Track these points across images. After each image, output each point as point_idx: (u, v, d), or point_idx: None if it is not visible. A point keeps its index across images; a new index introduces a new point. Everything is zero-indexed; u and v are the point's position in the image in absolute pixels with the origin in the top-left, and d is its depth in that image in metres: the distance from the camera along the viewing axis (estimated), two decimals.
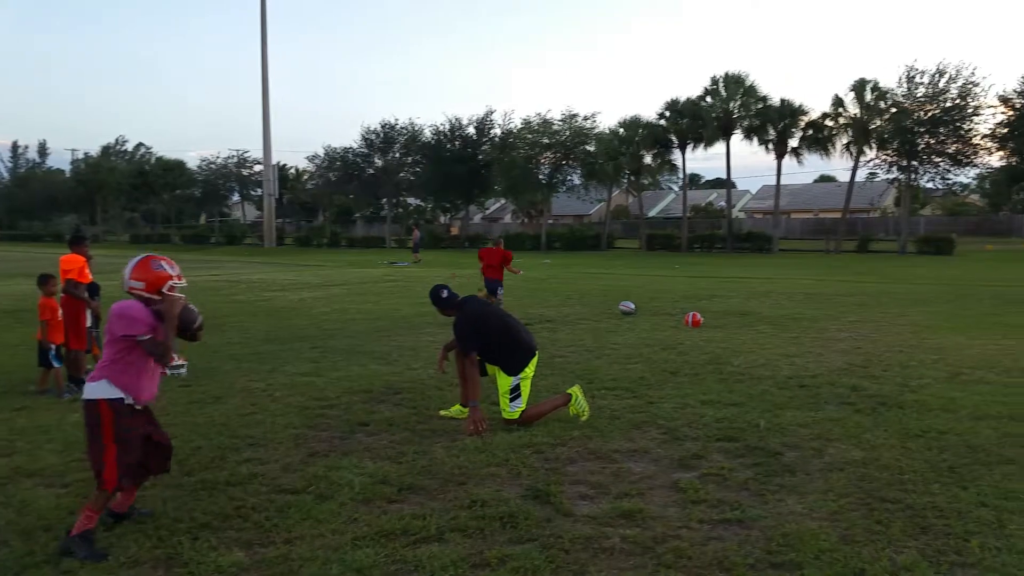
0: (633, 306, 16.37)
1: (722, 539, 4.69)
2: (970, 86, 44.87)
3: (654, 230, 60.87)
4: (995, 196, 79.76)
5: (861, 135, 48.69)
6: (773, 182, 54.88)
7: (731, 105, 51.92)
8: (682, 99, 53.97)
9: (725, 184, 60.43)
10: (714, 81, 52.68)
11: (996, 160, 48.41)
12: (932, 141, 46.41)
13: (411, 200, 79.50)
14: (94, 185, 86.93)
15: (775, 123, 51.25)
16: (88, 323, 9.59)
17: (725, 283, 25.24)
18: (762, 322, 14.77)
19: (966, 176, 54.36)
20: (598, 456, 6.36)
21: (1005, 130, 43.99)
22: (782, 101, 51.14)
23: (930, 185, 52.53)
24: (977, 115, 45.36)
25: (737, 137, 53.25)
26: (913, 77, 46.18)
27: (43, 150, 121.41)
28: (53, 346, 9.17)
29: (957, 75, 45.08)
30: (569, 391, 7.56)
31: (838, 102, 49.79)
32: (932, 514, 5.00)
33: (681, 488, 5.56)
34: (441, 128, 64.05)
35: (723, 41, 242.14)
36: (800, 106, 50.91)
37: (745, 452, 6.42)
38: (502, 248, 16.85)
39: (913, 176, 49.06)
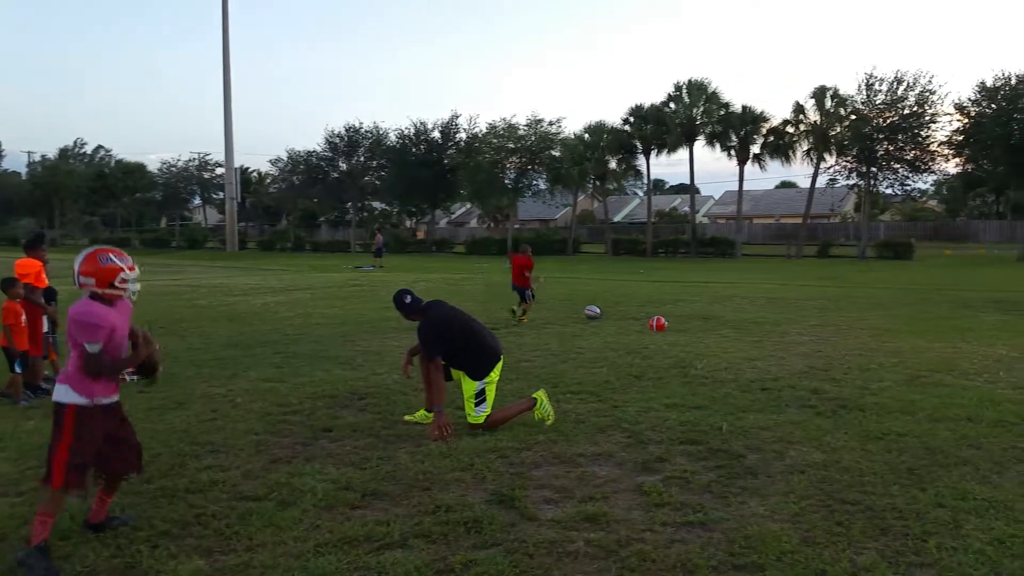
0: (598, 310, 16.42)
1: (685, 542, 4.72)
2: (927, 94, 45.55)
3: (619, 235, 61.13)
4: (952, 202, 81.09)
5: (821, 142, 49.21)
6: (736, 188, 55.32)
7: (694, 111, 52.22)
8: (646, 105, 54.26)
9: (689, 190, 60.67)
10: (677, 87, 52.96)
11: (953, 167, 49.18)
12: (891, 148, 47.04)
13: (376, 204, 79.19)
14: (51, 188, 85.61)
15: (737, 129, 51.65)
16: (45, 328, 9.45)
17: (689, 288, 25.39)
18: (725, 326, 14.87)
19: (924, 182, 55.13)
20: (563, 460, 6.37)
21: (961, 137, 44.62)
22: (744, 108, 51.59)
23: (889, 191, 53.22)
24: (934, 122, 46.09)
25: (700, 143, 53.61)
26: (872, 84, 46.78)
27: None
28: (18, 352, 8.96)
29: (915, 83, 45.77)
30: (534, 395, 7.56)
31: (799, 109, 50.32)
32: (891, 515, 5.06)
33: (645, 491, 5.58)
34: (406, 132, 63.86)
35: (687, 48, 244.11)
36: (762, 113, 51.44)
37: (708, 455, 6.46)
38: (527, 255, 17.17)
39: (872, 182, 49.67)
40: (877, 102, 46.68)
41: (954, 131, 45.25)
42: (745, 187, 55.53)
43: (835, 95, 48.73)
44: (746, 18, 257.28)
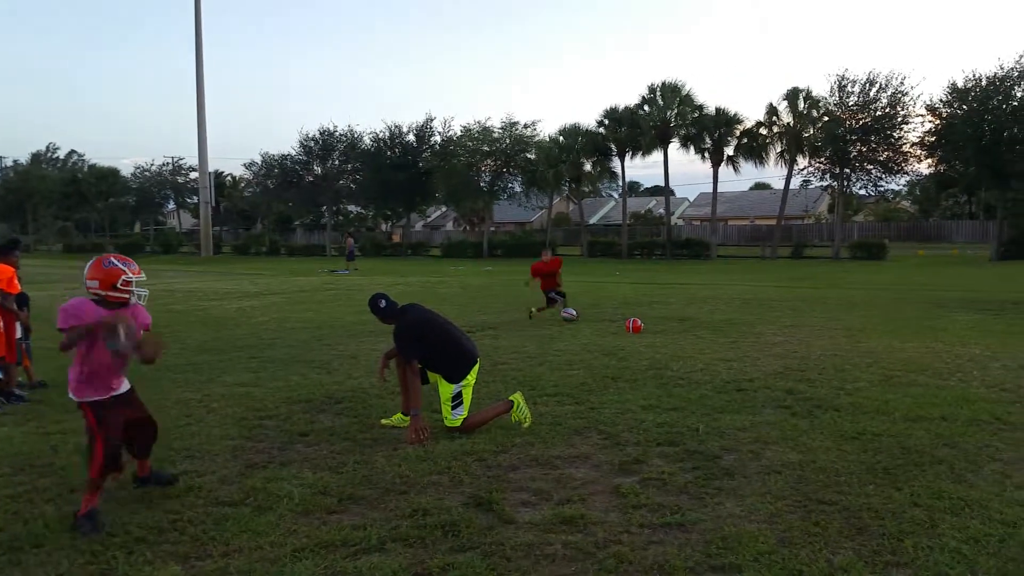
0: (575, 312, 16.43)
1: (662, 543, 4.72)
2: (900, 95, 45.95)
3: (595, 237, 61.30)
4: (925, 202, 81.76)
5: (795, 143, 49.55)
6: (710, 190, 55.56)
7: (668, 114, 52.42)
8: (621, 107, 54.38)
9: (664, 192, 60.92)
10: (651, 89, 53.12)
11: (925, 168, 49.57)
12: (864, 149, 47.46)
13: (351, 208, 78.98)
14: (24, 193, 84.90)
15: (711, 132, 51.91)
16: (18, 335, 9.35)
17: (664, 289, 25.46)
18: (701, 327, 14.91)
19: (897, 183, 55.54)
20: (540, 463, 6.36)
21: (933, 139, 45.01)
22: (717, 110, 51.85)
23: (863, 192, 53.70)
24: (906, 124, 46.50)
25: (674, 145, 53.84)
26: (844, 86, 47.16)
27: None
28: None
29: (887, 84, 46.17)
30: (511, 398, 7.55)
31: (772, 111, 50.65)
32: (868, 515, 5.09)
33: (622, 493, 5.58)
34: (381, 135, 63.77)
35: (661, 50, 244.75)
36: (735, 115, 51.72)
37: (685, 456, 6.47)
38: (550, 258, 17.76)
39: (846, 183, 50.07)
40: (850, 104, 47.10)
41: (926, 132, 45.69)
42: (720, 189, 55.86)
43: (808, 97, 49.08)
44: (721, 20, 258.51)
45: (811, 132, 49.02)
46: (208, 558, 4.58)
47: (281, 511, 5.27)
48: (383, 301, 7.57)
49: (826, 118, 48.03)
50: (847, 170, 48.67)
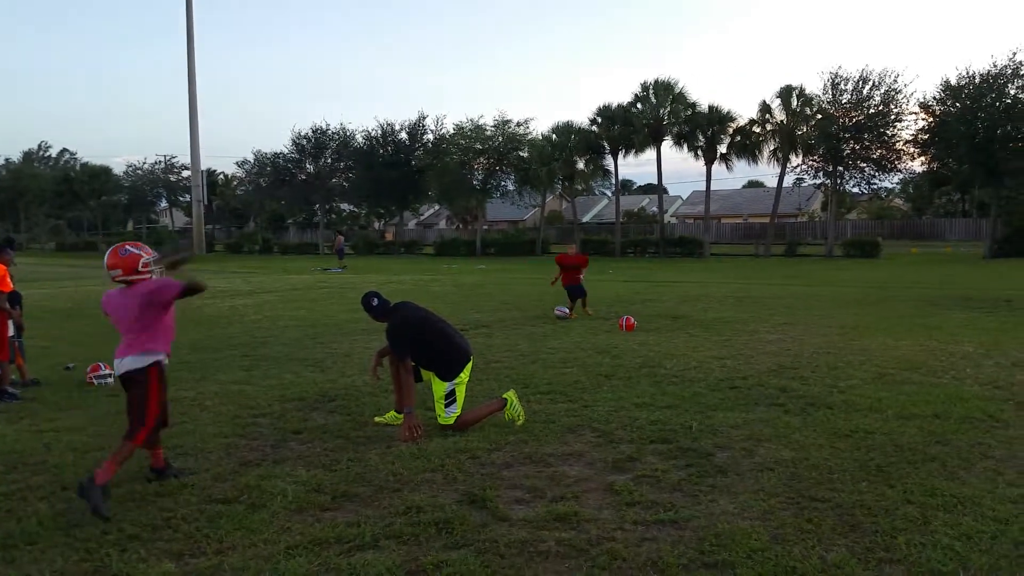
0: (568, 310, 16.44)
1: (656, 540, 4.73)
2: (893, 93, 45.90)
3: (588, 235, 61.20)
4: (918, 200, 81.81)
5: (788, 141, 49.49)
6: (703, 188, 55.51)
7: (661, 111, 52.27)
8: (614, 105, 54.27)
9: (657, 190, 60.98)
10: (644, 87, 52.95)
11: (918, 165, 49.52)
12: (857, 147, 47.36)
13: (344, 206, 78.81)
14: (16, 192, 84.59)
15: (704, 129, 51.77)
16: (11, 333, 9.34)
17: (658, 287, 25.47)
18: (694, 325, 14.93)
19: (890, 181, 55.48)
20: (533, 460, 6.37)
21: (926, 136, 45.00)
22: (710, 108, 51.72)
23: (856, 190, 53.62)
24: (900, 121, 46.41)
25: (667, 143, 53.54)
26: (838, 84, 47.08)
27: None
28: None
29: (880, 82, 46.10)
30: (504, 396, 7.56)
31: (765, 108, 50.53)
32: (861, 512, 5.10)
33: (615, 490, 5.59)
34: (373, 133, 63.60)
35: (653, 47, 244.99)
36: (728, 113, 51.56)
37: (678, 454, 6.48)
38: (576, 252, 17.75)
39: (839, 181, 50.06)
40: (843, 101, 47.01)
41: (919, 130, 45.61)
42: (713, 187, 55.73)
43: (801, 94, 49.00)
44: (714, 17, 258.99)
45: (804, 130, 48.94)
46: (202, 555, 4.58)
47: (275, 508, 5.27)
48: (375, 299, 7.57)
49: (819, 116, 47.95)
50: (840, 168, 48.64)
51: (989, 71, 41.61)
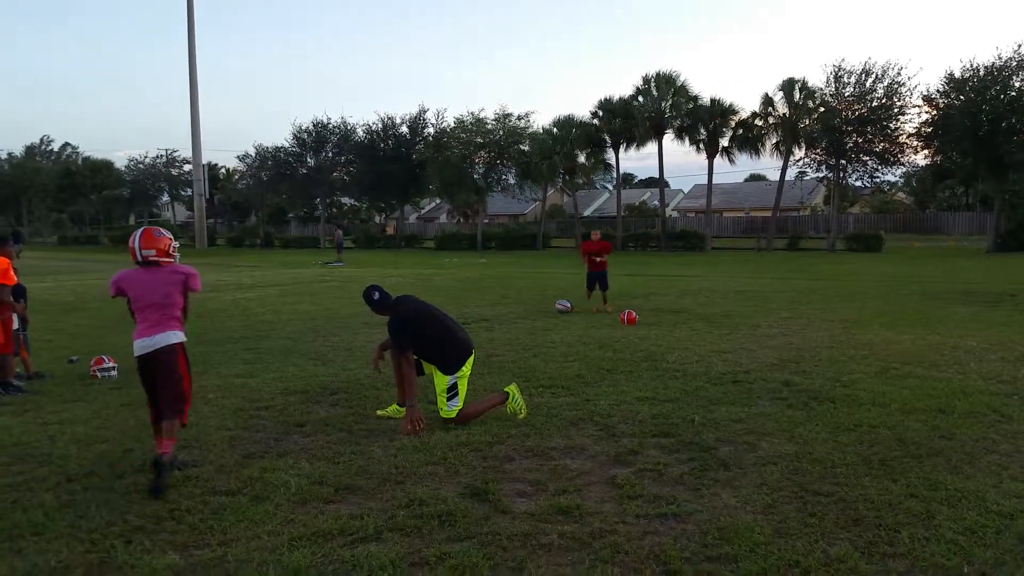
0: (569, 304, 16.44)
1: (658, 533, 4.73)
2: (896, 86, 45.71)
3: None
4: (921, 194, 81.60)
5: (790, 134, 49.38)
6: (705, 181, 55.44)
7: (663, 105, 52.11)
8: (615, 98, 54.10)
9: (658, 183, 60.85)
10: (646, 80, 52.78)
11: (922, 159, 49.32)
12: (860, 140, 47.19)
13: (345, 200, 78.76)
14: (19, 186, 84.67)
15: (706, 123, 51.62)
16: (15, 326, 9.35)
17: (659, 281, 25.47)
18: (696, 319, 14.93)
19: (893, 175, 55.38)
20: (535, 453, 6.38)
21: (930, 129, 44.84)
22: (712, 101, 51.54)
23: (858, 183, 53.53)
24: (903, 114, 46.20)
25: (669, 137, 53.39)
26: (840, 76, 46.91)
27: None
28: None
29: (883, 75, 45.93)
30: (506, 389, 7.56)
31: (768, 101, 50.40)
32: (864, 506, 5.10)
33: (617, 484, 5.60)
34: (374, 127, 63.53)
35: (655, 40, 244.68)
36: (730, 106, 51.36)
37: (680, 447, 6.48)
38: (599, 239, 17.98)
39: (842, 175, 49.93)
40: (846, 94, 46.83)
41: (923, 123, 45.39)
42: (715, 180, 55.64)
43: (804, 87, 48.84)
44: (716, 10, 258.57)
45: (807, 123, 48.81)
46: (206, 547, 4.59)
47: (278, 500, 5.28)
48: (377, 293, 7.57)
49: (822, 109, 47.79)
50: (843, 161, 48.49)
51: (993, 64, 41.37)
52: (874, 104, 46.03)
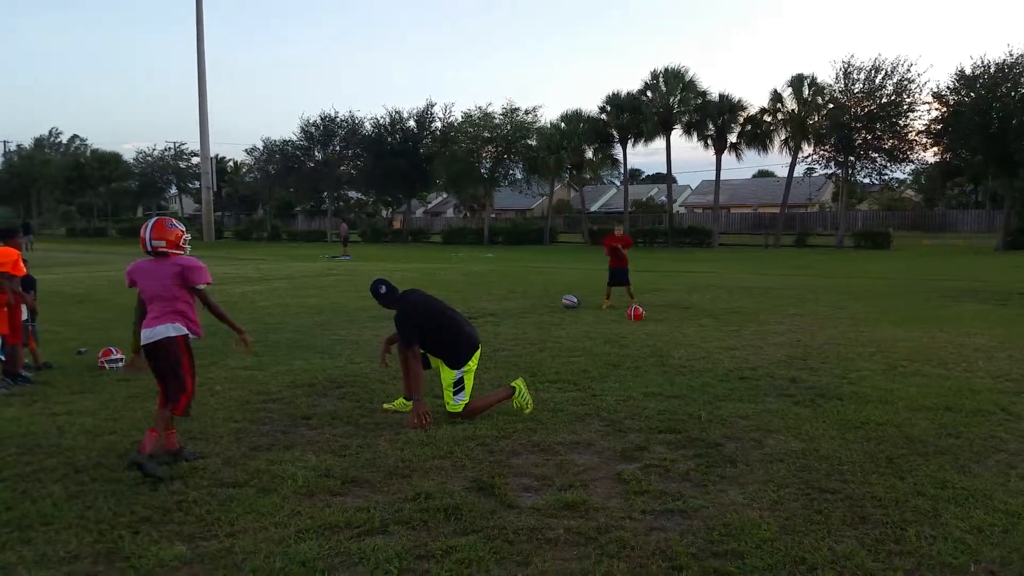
0: (576, 300, 16.43)
1: (664, 529, 4.73)
2: (906, 82, 45.56)
3: (596, 224, 61.06)
4: (930, 191, 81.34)
5: (799, 131, 49.29)
6: (713, 177, 55.37)
7: (671, 100, 52.02)
8: (623, 93, 53.99)
9: (666, 179, 60.68)
10: (654, 75, 52.69)
11: (931, 156, 49.21)
12: (868, 137, 47.05)
13: (352, 194, 78.79)
14: (28, 178, 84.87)
15: (714, 118, 51.57)
16: (24, 317, 9.39)
17: (666, 277, 25.42)
18: (703, 315, 14.92)
19: (902, 171, 55.20)
20: (542, 448, 6.38)
21: (939, 126, 44.68)
22: (721, 96, 51.50)
23: (867, 180, 53.40)
24: (912, 111, 46.06)
25: (677, 132, 53.39)
26: (850, 73, 46.75)
27: None
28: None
29: (893, 71, 45.77)
30: (513, 384, 7.56)
31: (776, 97, 50.32)
32: (870, 504, 5.09)
33: (624, 479, 5.60)
34: (382, 121, 63.50)
35: (664, 35, 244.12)
36: (739, 101, 51.37)
37: (687, 443, 6.47)
38: (621, 235, 17.95)
39: (850, 171, 49.82)
40: (855, 91, 46.69)
41: (932, 120, 45.28)
42: (722, 176, 55.63)
43: (813, 83, 48.78)
44: (725, 4, 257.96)
45: (816, 119, 48.73)
46: (213, 538, 4.60)
47: (285, 493, 5.29)
48: (384, 287, 7.57)
49: (831, 105, 47.65)
50: (852, 158, 48.38)
51: (1005, 61, 41.16)
52: (883, 101, 45.89)
